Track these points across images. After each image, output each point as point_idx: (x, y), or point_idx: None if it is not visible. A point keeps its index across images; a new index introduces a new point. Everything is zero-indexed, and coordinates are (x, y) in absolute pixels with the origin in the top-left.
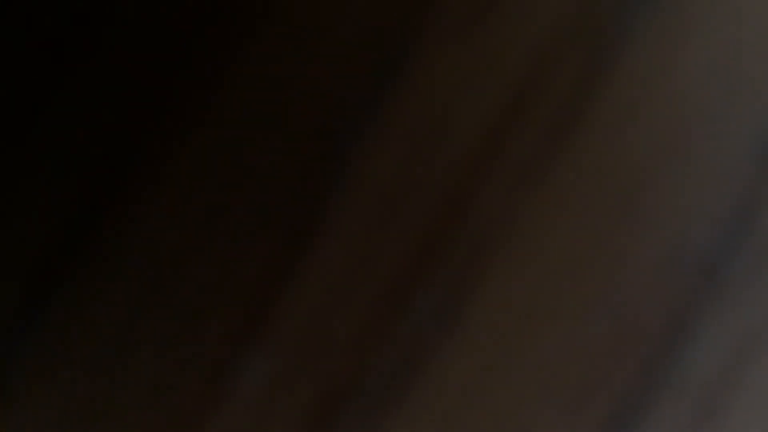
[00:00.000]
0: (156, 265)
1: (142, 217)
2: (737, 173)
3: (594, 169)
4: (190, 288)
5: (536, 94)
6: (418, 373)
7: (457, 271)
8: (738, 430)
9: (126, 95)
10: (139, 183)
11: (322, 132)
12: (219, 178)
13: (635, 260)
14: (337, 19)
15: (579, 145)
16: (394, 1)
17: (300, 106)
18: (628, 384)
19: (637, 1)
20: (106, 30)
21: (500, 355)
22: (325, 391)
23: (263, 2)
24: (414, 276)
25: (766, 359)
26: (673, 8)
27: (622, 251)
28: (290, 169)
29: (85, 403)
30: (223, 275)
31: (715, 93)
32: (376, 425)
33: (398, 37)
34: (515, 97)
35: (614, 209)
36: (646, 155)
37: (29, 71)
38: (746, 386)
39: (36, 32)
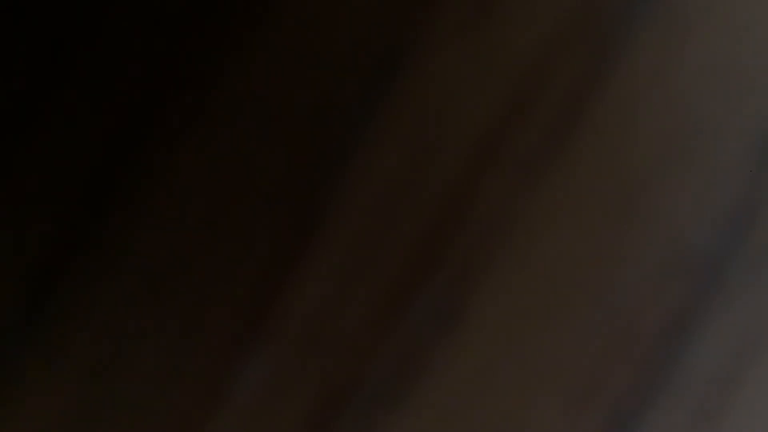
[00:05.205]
0: (156, 265)
1: (142, 217)
2: (737, 173)
3: (594, 170)
4: (190, 288)
5: (536, 95)
6: (418, 373)
7: (457, 271)
8: (738, 430)
9: (126, 94)
10: (138, 182)
11: (321, 131)
12: (218, 179)
13: (635, 260)
14: (335, 18)
15: (579, 146)
16: (393, 1)
17: (298, 105)
18: (628, 384)
19: (638, 1)
20: (105, 29)
21: (501, 354)
22: (325, 392)
23: (261, 2)
24: (414, 276)
25: (766, 359)
26: (673, 8)
27: (622, 251)
28: (290, 169)
29: (85, 403)
30: (223, 275)
31: (715, 93)
32: (377, 425)
33: (397, 38)
34: (515, 97)
35: (614, 209)
36: (645, 155)
37: (27, 70)
38: (746, 386)
39: (34, 31)
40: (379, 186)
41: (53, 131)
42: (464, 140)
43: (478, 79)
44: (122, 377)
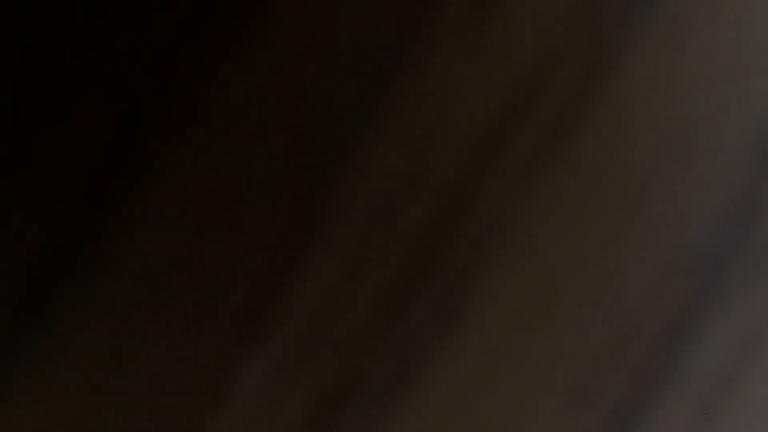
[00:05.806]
0: (156, 265)
1: (142, 217)
2: (737, 174)
3: (594, 170)
4: (190, 288)
5: (536, 95)
6: (418, 374)
7: (457, 271)
8: (738, 430)
9: (125, 94)
10: (138, 182)
11: (321, 131)
12: (218, 179)
13: (635, 260)
14: (335, 18)
15: (579, 146)
16: (393, 1)
17: (298, 105)
18: (628, 384)
19: (638, 1)
20: (105, 29)
21: (501, 355)
22: (325, 392)
23: (261, 2)
24: (414, 276)
25: (766, 359)
26: (673, 8)
27: (622, 251)
28: (290, 169)
29: (85, 403)
30: (223, 275)
31: (715, 94)
32: (377, 425)
33: (397, 38)
34: (515, 97)
35: (614, 210)
36: (646, 156)
37: (27, 70)
38: (746, 386)
39: (34, 31)
40: (379, 186)
41: (53, 131)
42: (464, 140)
43: (478, 79)
44: (122, 377)
